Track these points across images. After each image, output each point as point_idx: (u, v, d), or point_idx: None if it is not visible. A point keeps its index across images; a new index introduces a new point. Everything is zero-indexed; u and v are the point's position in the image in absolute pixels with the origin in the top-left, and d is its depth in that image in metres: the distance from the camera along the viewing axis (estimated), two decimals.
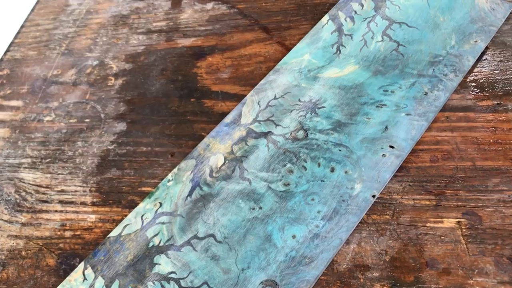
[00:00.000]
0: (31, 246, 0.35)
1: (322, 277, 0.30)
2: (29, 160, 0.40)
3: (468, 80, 0.38)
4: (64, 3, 0.55)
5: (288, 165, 0.35)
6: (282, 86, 0.40)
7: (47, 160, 0.40)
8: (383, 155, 0.34)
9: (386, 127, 0.36)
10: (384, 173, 0.33)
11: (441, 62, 0.39)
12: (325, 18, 0.44)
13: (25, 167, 0.40)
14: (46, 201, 0.37)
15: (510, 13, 0.41)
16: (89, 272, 0.32)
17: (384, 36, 0.42)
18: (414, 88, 0.37)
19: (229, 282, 0.30)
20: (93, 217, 0.36)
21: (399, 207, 0.32)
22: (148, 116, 0.41)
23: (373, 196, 0.32)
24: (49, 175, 0.39)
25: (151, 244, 0.33)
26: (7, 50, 0.51)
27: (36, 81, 0.47)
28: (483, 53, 0.39)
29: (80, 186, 0.38)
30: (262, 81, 0.41)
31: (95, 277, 0.32)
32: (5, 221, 0.37)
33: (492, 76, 0.38)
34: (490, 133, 0.34)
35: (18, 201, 0.38)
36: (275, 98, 0.39)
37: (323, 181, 0.34)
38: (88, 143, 0.40)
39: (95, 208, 0.36)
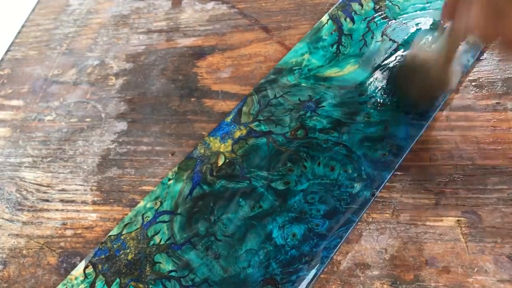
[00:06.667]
0: (32, 244, 0.35)
1: (322, 276, 0.30)
2: (30, 159, 0.40)
3: (467, 80, 0.38)
4: (65, 3, 0.55)
5: (288, 164, 0.35)
6: (282, 86, 0.40)
7: (48, 159, 0.40)
8: (382, 154, 0.34)
9: (386, 127, 0.36)
10: (384, 172, 0.33)
11: None
12: (325, 17, 0.44)
13: (26, 166, 0.40)
14: (47, 200, 0.37)
15: None
16: (90, 270, 0.32)
17: (383, 36, 0.42)
18: None
19: (230, 281, 0.30)
20: (94, 216, 0.36)
21: (399, 206, 0.32)
22: (148, 115, 0.42)
23: (373, 195, 0.32)
24: (50, 174, 0.39)
25: (151, 243, 0.33)
26: (8, 50, 0.51)
27: (36, 80, 0.47)
28: (482, 53, 0.39)
29: (81, 185, 0.38)
30: (262, 81, 0.41)
31: (96, 276, 0.32)
32: (6, 220, 0.37)
33: (492, 75, 0.38)
34: (490, 132, 0.35)
35: (19, 200, 0.38)
36: (275, 97, 0.39)
37: (323, 180, 0.34)
38: (89, 142, 0.41)
39: (96, 207, 0.36)
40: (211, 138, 0.38)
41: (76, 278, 0.32)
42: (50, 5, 0.55)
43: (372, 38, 0.42)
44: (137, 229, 0.34)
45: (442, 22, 0.33)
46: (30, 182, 0.39)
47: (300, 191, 0.33)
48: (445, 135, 0.35)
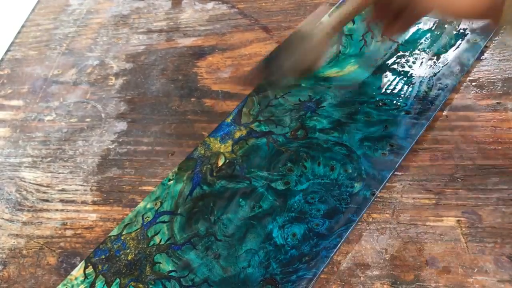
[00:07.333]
0: (32, 245, 0.35)
1: (322, 276, 0.30)
2: (30, 159, 0.40)
3: (468, 80, 0.38)
4: (65, 3, 0.55)
5: (288, 164, 0.35)
6: (282, 86, 0.40)
7: (48, 159, 0.40)
8: (383, 154, 0.34)
9: (386, 126, 0.36)
10: (384, 172, 0.33)
11: (440, 61, 0.39)
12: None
13: (26, 166, 0.40)
14: (47, 200, 0.37)
15: None
16: (90, 271, 0.32)
17: (384, 36, 0.42)
18: (414, 87, 0.38)
19: (230, 281, 0.30)
20: (94, 216, 0.36)
21: (399, 206, 0.32)
22: (148, 115, 0.42)
23: (373, 195, 0.32)
24: (49, 174, 0.39)
25: (151, 243, 0.33)
26: (8, 50, 0.51)
27: (36, 80, 0.47)
28: (482, 53, 0.39)
29: (81, 185, 0.38)
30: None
31: (96, 276, 0.32)
32: (6, 220, 0.37)
33: (492, 75, 0.38)
34: (490, 132, 0.35)
35: (19, 200, 0.38)
36: (275, 97, 0.39)
37: (323, 180, 0.34)
38: (88, 142, 0.41)
39: (96, 207, 0.36)
40: (211, 139, 0.38)
41: (76, 278, 0.32)
42: (50, 5, 0.55)
43: (372, 38, 0.42)
44: (137, 229, 0.34)
45: None
46: (30, 182, 0.39)
47: (300, 191, 0.33)
48: (445, 135, 0.35)
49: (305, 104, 0.38)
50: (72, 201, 0.37)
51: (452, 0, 0.26)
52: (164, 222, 0.34)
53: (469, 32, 0.40)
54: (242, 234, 0.32)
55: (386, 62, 0.40)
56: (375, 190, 0.33)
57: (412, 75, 0.38)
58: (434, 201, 0.32)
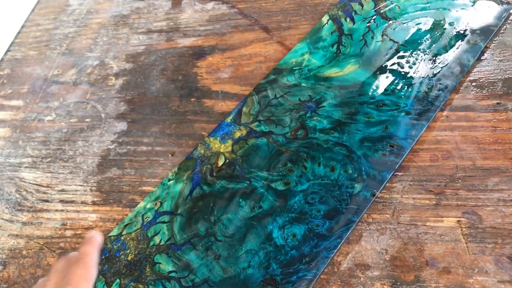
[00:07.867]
0: (32, 245, 0.35)
1: (322, 276, 0.30)
2: (29, 159, 0.40)
3: (468, 80, 0.38)
4: (65, 3, 0.55)
5: (289, 164, 0.35)
6: (282, 86, 0.40)
7: (48, 160, 0.40)
8: (383, 154, 0.34)
9: (386, 127, 0.36)
10: (384, 172, 0.33)
11: (441, 61, 0.39)
12: (325, 18, 0.44)
13: (26, 167, 0.40)
14: (46, 201, 0.37)
15: (509, 13, 0.41)
16: None
17: (384, 36, 0.42)
18: (414, 88, 0.38)
19: (230, 281, 0.30)
20: (93, 216, 0.36)
21: (399, 206, 0.32)
22: (148, 115, 0.42)
23: (373, 195, 0.32)
24: (49, 175, 0.39)
25: (151, 243, 0.33)
26: (8, 50, 0.51)
27: (36, 81, 0.47)
28: (482, 53, 0.39)
29: (81, 185, 0.38)
30: (262, 81, 0.41)
31: (96, 276, 0.32)
32: (6, 220, 0.37)
33: (492, 75, 0.38)
34: (490, 132, 0.35)
35: (19, 200, 0.38)
36: (275, 97, 0.39)
37: (324, 180, 0.34)
38: (88, 142, 0.41)
39: (96, 207, 0.36)
40: (211, 139, 0.38)
41: None
42: (50, 5, 0.55)
43: (372, 38, 0.42)
44: (137, 229, 0.34)
45: None
46: (30, 183, 0.39)
47: (300, 192, 0.33)
48: (445, 135, 0.35)
49: (305, 104, 0.38)
50: (72, 202, 0.37)
51: None
52: (164, 222, 0.34)
53: (469, 33, 0.40)
54: (242, 234, 0.32)
55: (387, 63, 0.40)
56: (375, 190, 0.33)
57: (412, 75, 0.38)
58: (434, 202, 0.32)
